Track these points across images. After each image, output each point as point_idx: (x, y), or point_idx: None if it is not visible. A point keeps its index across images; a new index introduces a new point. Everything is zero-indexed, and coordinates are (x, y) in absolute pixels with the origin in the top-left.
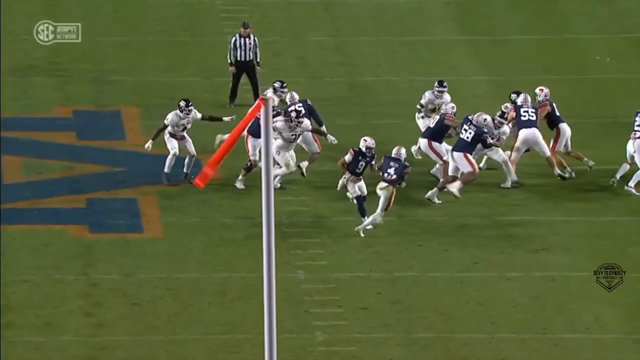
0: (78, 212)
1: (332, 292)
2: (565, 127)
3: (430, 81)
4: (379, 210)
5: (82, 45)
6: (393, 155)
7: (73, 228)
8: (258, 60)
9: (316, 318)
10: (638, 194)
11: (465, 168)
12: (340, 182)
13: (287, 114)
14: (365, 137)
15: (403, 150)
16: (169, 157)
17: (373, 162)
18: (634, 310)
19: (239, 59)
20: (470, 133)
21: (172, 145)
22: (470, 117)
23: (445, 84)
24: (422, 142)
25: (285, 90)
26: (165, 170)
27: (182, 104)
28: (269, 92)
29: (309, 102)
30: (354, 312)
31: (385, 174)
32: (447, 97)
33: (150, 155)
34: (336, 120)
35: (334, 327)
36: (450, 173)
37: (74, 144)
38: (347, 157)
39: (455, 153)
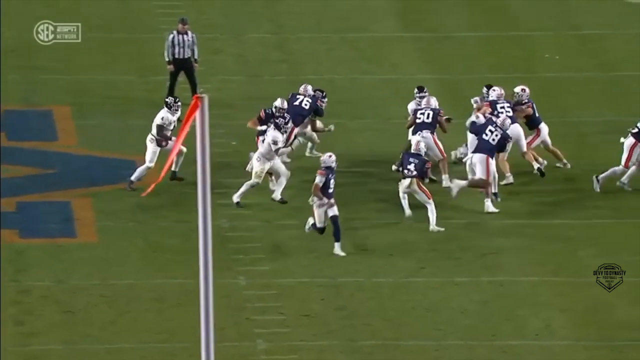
0: (7, 216)
1: (274, 299)
2: (544, 127)
3: (374, 79)
4: (427, 202)
5: (11, 41)
6: (412, 151)
7: (2, 233)
8: (196, 57)
9: (258, 325)
10: (630, 189)
11: (482, 173)
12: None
13: (277, 125)
14: (329, 153)
15: (422, 145)
16: (143, 168)
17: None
18: (584, 316)
19: (176, 56)
20: (496, 136)
21: (151, 158)
22: (495, 120)
23: (425, 89)
24: (428, 137)
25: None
26: (133, 178)
27: (170, 100)
28: (278, 101)
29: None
30: (297, 319)
31: (406, 170)
32: (432, 101)
33: (84, 157)
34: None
35: (276, 334)
36: (470, 175)
37: (3, 145)
38: (319, 179)
39: (478, 155)
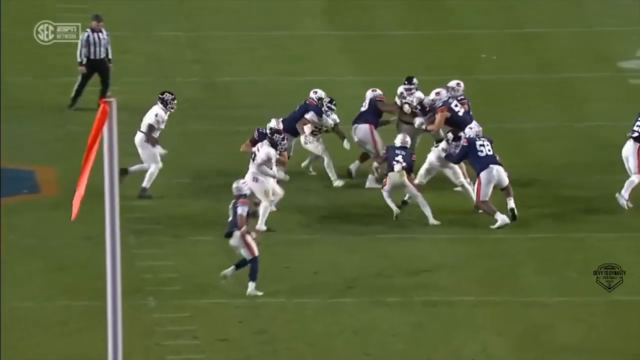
0: None
1: (187, 322)
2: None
3: (298, 81)
4: (416, 195)
5: None
6: (399, 144)
7: None
8: (110, 57)
9: (169, 351)
10: (625, 205)
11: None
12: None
13: (272, 142)
14: (243, 180)
15: (408, 138)
16: (151, 172)
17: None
18: (524, 339)
19: (91, 57)
20: (488, 146)
21: (154, 158)
22: (477, 132)
23: (414, 80)
24: (361, 128)
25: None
26: (146, 184)
27: (168, 96)
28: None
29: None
30: (212, 343)
31: (394, 162)
32: (418, 94)
33: None
34: (190, 125)
35: None
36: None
37: None
38: (244, 209)
39: (498, 167)
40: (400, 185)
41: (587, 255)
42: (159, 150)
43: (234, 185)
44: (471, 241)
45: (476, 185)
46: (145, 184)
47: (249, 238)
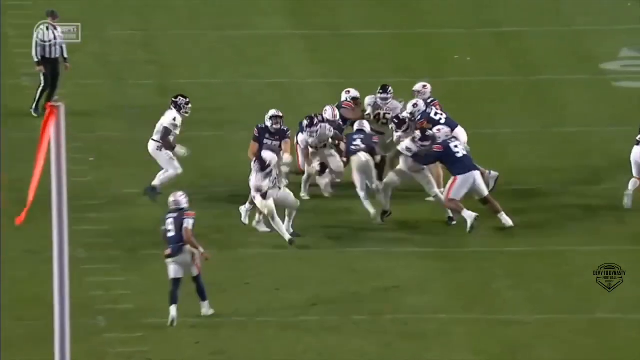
0: None
1: (139, 342)
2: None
3: (259, 84)
4: (376, 184)
5: None
6: (355, 129)
7: None
8: (66, 56)
9: None
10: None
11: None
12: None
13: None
14: (180, 192)
15: (365, 122)
16: (173, 174)
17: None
18: (501, 359)
19: (47, 55)
20: (461, 146)
21: (173, 164)
22: (446, 132)
23: (389, 88)
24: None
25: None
26: (157, 183)
27: (181, 100)
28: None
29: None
30: None
31: (352, 147)
32: (394, 104)
33: None
34: (142, 131)
35: None
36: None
37: None
38: (191, 222)
39: (477, 175)
40: (367, 170)
41: (566, 270)
42: (180, 151)
43: (171, 198)
44: (443, 255)
45: (449, 183)
46: (157, 182)
47: (196, 253)
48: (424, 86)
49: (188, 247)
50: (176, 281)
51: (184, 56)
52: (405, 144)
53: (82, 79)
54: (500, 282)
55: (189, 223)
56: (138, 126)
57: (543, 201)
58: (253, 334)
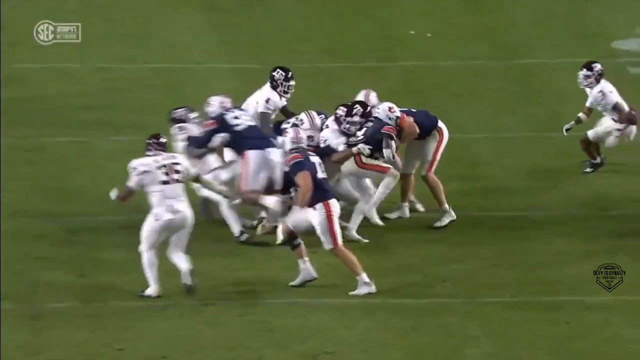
0: None
1: None
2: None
3: (141, 69)
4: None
5: None
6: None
7: None
8: None
9: None
10: None
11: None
12: None
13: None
14: None
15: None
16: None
17: None
18: None
19: None
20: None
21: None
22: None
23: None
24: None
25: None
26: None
27: (192, 114)
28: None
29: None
30: None
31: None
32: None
33: None
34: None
35: None
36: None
37: None
38: None
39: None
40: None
41: (561, 330)
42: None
43: None
44: (395, 307)
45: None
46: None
47: None
48: (391, 110)
49: None
50: None
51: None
52: (339, 139)
53: None
54: (474, 345)
55: None
56: None
57: (528, 228)
58: None
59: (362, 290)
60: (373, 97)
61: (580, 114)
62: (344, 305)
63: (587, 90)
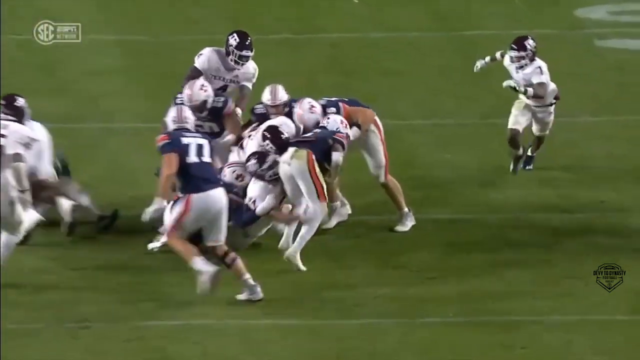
0: None
1: None
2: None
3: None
4: None
5: None
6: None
7: None
8: None
9: None
10: None
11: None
12: None
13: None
14: None
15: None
16: None
17: None
18: None
19: None
20: None
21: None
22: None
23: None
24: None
25: None
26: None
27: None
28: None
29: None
30: None
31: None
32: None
33: None
34: None
35: None
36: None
37: None
38: None
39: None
40: None
41: (517, 356)
42: None
43: None
44: (317, 330)
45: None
46: None
47: None
48: (312, 107)
49: None
50: None
51: None
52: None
53: None
54: None
55: None
56: None
57: (477, 232)
58: None
59: (203, 279)
60: (281, 93)
61: (497, 54)
62: (253, 327)
63: (513, 67)
